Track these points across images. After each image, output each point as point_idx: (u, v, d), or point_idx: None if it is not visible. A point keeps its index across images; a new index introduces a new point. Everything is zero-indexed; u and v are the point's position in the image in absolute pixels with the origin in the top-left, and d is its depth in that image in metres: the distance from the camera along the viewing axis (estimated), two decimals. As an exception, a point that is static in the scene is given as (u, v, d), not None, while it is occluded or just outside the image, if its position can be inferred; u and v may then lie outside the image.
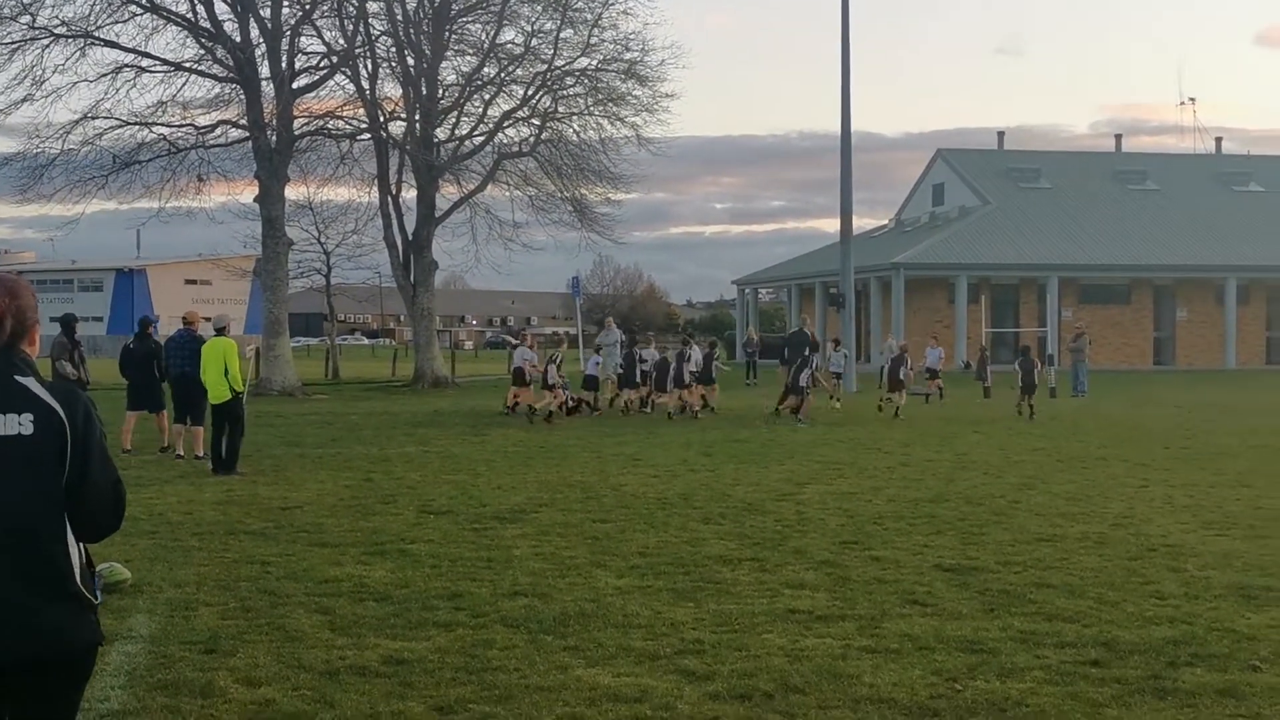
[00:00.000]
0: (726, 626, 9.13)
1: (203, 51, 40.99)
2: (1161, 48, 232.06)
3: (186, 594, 10.21)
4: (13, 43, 38.10)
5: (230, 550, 12.26)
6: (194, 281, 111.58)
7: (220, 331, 19.58)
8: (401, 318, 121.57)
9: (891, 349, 31.98)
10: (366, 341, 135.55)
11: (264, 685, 7.74)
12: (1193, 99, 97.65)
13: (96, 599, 4.35)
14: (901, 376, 29.47)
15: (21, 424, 4.20)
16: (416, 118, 45.17)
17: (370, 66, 44.73)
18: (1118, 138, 77.17)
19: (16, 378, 4.27)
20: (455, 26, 45.83)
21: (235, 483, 17.42)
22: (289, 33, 41.56)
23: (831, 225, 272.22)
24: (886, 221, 78.44)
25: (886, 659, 8.28)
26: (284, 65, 40.93)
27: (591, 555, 11.97)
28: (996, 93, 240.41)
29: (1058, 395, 38.23)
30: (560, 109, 46.66)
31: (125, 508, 4.50)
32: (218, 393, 18.80)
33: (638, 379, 30.75)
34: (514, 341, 34.75)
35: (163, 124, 40.70)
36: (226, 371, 18.75)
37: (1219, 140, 77.03)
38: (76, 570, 4.27)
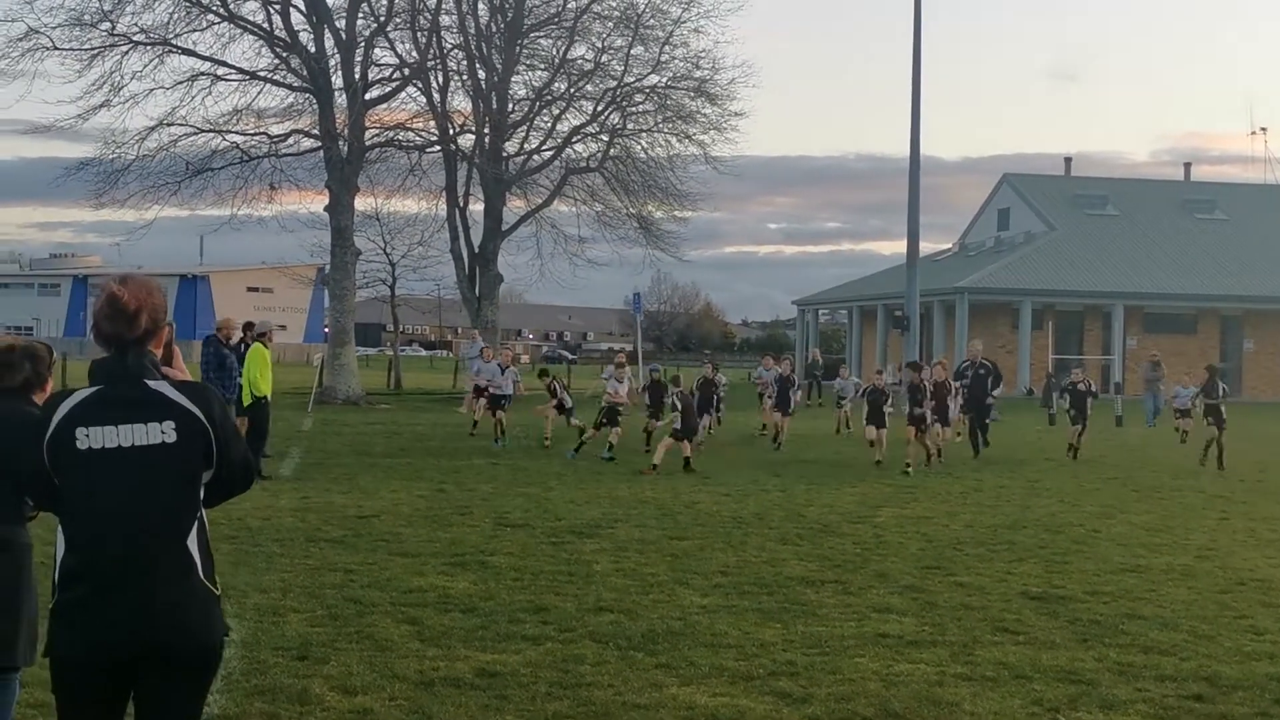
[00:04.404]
0: (817, 649, 9.06)
1: (278, 61, 41.35)
2: (1224, 77, 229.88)
3: (273, 600, 10.24)
4: (93, 49, 38.55)
5: (312, 557, 12.31)
6: (256, 289, 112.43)
7: (259, 338, 19.87)
8: (460, 330, 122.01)
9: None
10: (424, 353, 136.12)
11: (360, 694, 7.73)
12: (1264, 129, 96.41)
13: (218, 590, 4.37)
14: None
15: (164, 431, 4.21)
16: (486, 131, 45.36)
17: (442, 79, 44.99)
18: (1186, 166, 76.48)
19: (149, 383, 4.28)
20: (527, 41, 46.05)
21: (310, 490, 17.49)
22: (363, 44, 41.85)
23: (887, 248, 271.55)
24: (950, 245, 78.03)
25: (984, 687, 8.18)
26: (357, 76, 41.23)
27: (673, 573, 11.93)
28: (1055, 119, 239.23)
29: (1123, 424, 37.80)
30: (629, 125, 46.81)
31: (253, 474, 4.58)
32: (243, 396, 19.05)
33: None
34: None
35: (236, 132, 41.09)
36: (260, 375, 19.18)
37: (1289, 171, 76.22)
38: (202, 564, 4.29)
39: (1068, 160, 74.19)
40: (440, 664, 8.44)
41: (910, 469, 21.74)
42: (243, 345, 20.87)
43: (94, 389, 4.26)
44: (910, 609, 10.51)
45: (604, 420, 23.88)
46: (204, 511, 4.37)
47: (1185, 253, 63.16)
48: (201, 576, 4.28)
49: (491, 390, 26.51)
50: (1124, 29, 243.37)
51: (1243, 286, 60.52)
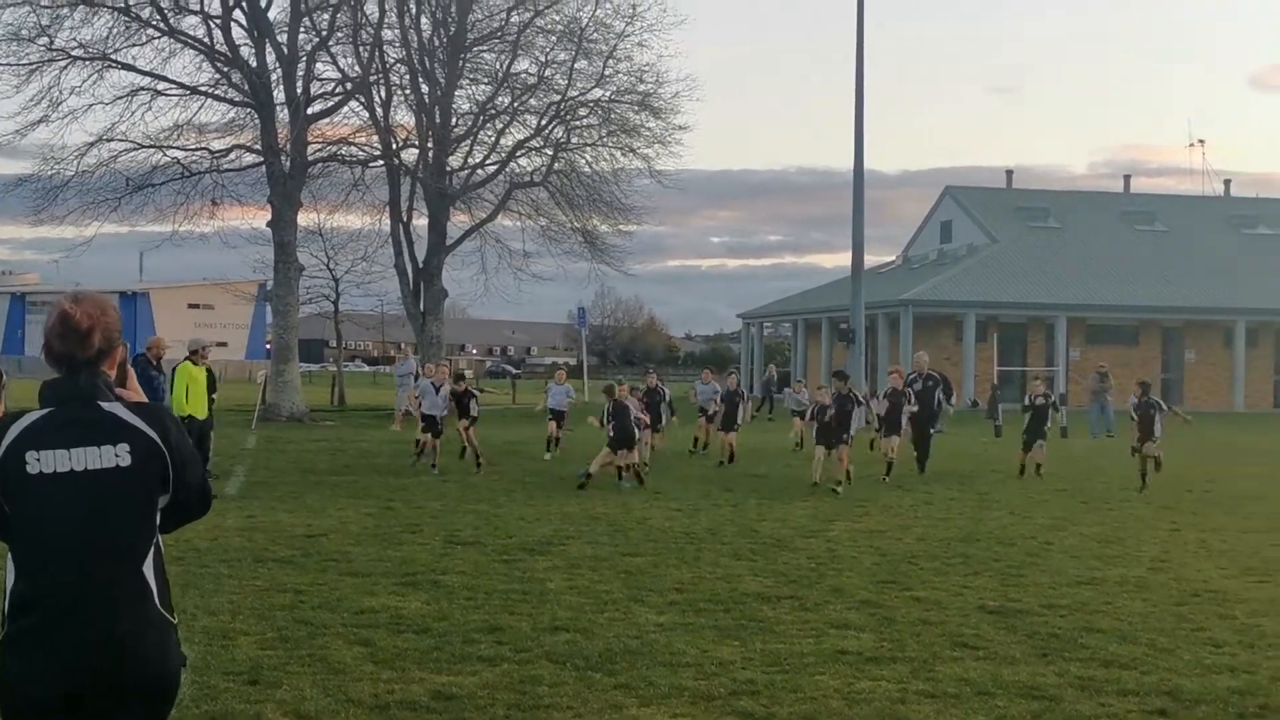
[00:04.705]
0: (777, 667, 8.97)
1: (219, 76, 40.98)
2: (1158, 90, 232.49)
3: (222, 623, 10.04)
4: (31, 64, 38.09)
5: (260, 578, 12.11)
6: (197, 305, 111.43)
7: (189, 356, 19.76)
8: (402, 345, 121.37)
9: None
10: (367, 368, 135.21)
11: (314, 719, 7.56)
12: (1202, 140, 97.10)
13: (174, 618, 4.23)
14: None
15: (119, 455, 4.06)
16: (429, 145, 45.13)
17: (384, 94, 44.74)
18: (1126, 178, 77.09)
19: (103, 404, 4.13)
20: (469, 55, 45.85)
21: (257, 509, 17.25)
22: (304, 59, 41.59)
23: (829, 260, 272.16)
24: (892, 258, 78.34)
25: (947, 704, 8.10)
26: (299, 91, 40.95)
27: (627, 590, 11.81)
28: (994, 132, 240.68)
29: (1068, 435, 37.95)
30: (573, 139, 46.67)
31: (211, 498, 4.43)
32: None
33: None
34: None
35: (177, 147, 40.70)
36: (188, 394, 19.04)
37: (1228, 183, 76.81)
38: (158, 591, 4.15)
39: (1009, 173, 74.73)
40: (395, 686, 8.28)
41: (847, 483, 21.04)
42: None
43: (45, 411, 4.10)
44: (868, 625, 10.43)
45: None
46: (160, 537, 4.22)
47: (1126, 264, 63.64)
48: (157, 604, 4.13)
49: (425, 410, 24.86)
50: (1061, 43, 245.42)
51: (1183, 297, 61.08)
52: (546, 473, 23.34)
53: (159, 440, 4.12)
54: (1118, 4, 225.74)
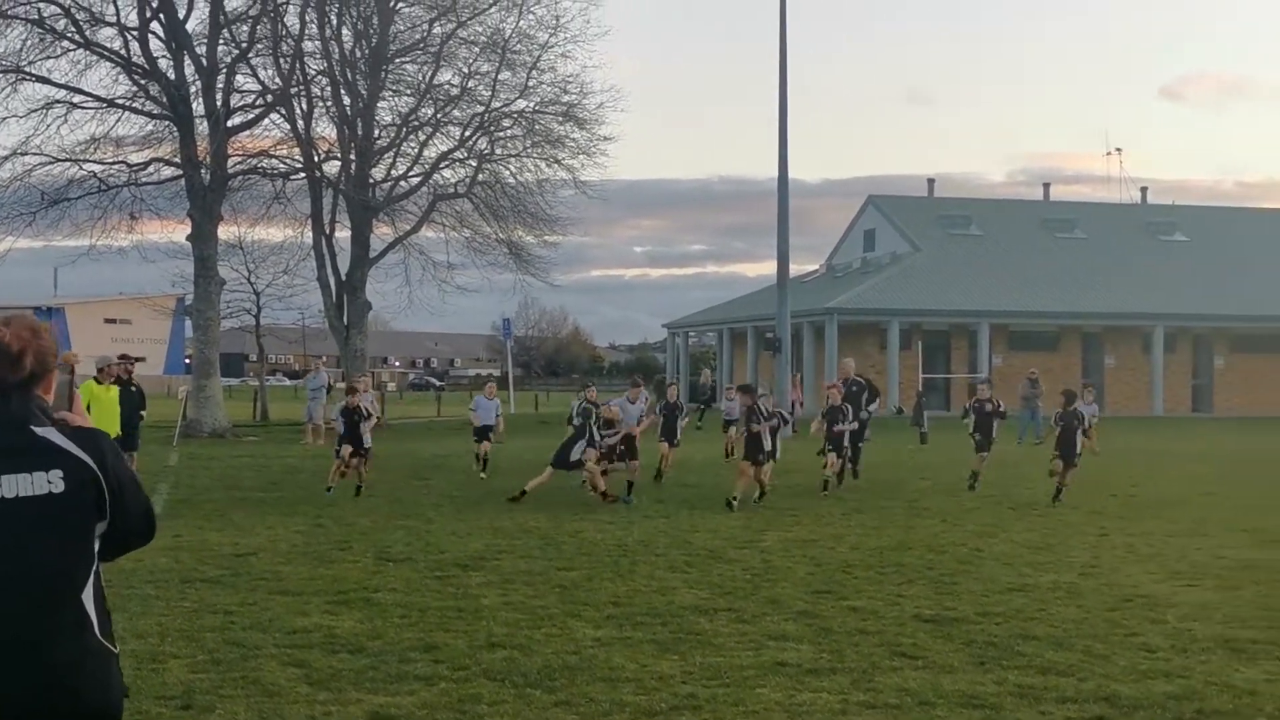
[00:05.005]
0: (717, 680, 8.91)
1: (136, 88, 40.50)
2: (1072, 100, 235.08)
3: (151, 645, 9.85)
4: (-60, 77, 37.45)
5: (189, 599, 11.90)
6: (114, 321, 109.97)
7: (96, 374, 19.61)
8: (324, 358, 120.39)
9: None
10: (289, 382, 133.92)
11: (250, 744, 7.43)
12: (1119, 149, 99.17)
13: (115, 648, 4.11)
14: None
15: (51, 481, 3.94)
16: (352, 157, 44.85)
17: (306, 105, 44.47)
18: (1046, 186, 78.00)
19: (36, 429, 4.00)
20: (392, 67, 45.68)
21: (182, 527, 16.97)
22: (224, 71, 41.17)
23: (752, 270, 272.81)
24: (815, 267, 78.73)
25: (888, 714, 8.09)
26: (218, 103, 40.54)
27: (563, 605, 11.72)
28: (915, 141, 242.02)
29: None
30: (497, 151, 46.59)
31: (155, 524, 4.29)
32: None
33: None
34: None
35: (94, 161, 40.16)
36: (90, 414, 18.76)
37: (1144, 190, 77.86)
38: (98, 621, 4.03)
39: (930, 181, 75.29)
40: (332, 708, 8.15)
41: (736, 500, 19.97)
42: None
43: (-25, 438, 3.97)
44: (806, 635, 10.41)
45: (621, 453, 22.06)
46: (99, 565, 4.10)
47: (1047, 271, 64.32)
48: (98, 634, 4.01)
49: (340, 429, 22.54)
50: (978, 52, 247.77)
51: (1103, 303, 61.84)
52: (475, 486, 23.20)
53: (94, 465, 4.01)
54: (1031, 15, 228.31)
